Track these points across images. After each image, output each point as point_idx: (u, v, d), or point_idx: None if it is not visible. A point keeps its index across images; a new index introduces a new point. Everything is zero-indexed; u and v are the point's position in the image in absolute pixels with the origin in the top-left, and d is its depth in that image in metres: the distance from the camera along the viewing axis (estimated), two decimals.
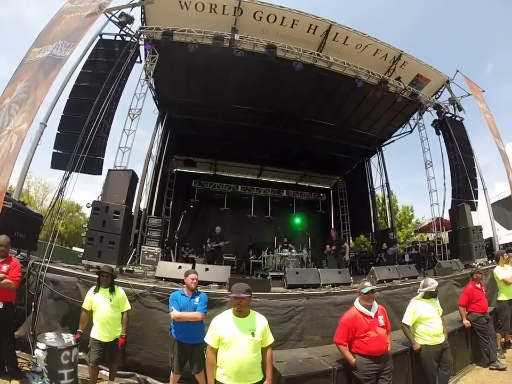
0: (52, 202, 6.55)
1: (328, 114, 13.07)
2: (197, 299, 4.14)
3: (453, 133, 11.22)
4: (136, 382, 4.59)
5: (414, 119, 13.28)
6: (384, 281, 6.68)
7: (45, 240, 5.53)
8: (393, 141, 14.99)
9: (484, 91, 12.55)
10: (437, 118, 11.85)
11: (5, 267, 4.15)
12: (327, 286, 6.16)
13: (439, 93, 12.42)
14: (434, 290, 4.60)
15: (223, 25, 9.44)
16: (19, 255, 5.53)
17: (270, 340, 3.09)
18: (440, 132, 11.84)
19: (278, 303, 5.23)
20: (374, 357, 3.61)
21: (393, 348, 4.09)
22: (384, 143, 15.19)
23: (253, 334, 2.92)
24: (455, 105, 11.97)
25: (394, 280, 6.88)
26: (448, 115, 11.93)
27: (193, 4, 9.13)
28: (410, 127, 13.84)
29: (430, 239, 14.01)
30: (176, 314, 3.94)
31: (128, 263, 7.53)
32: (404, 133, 14.30)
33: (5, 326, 4.14)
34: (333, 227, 18.16)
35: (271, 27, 9.67)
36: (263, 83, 11.00)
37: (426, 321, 4.45)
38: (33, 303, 4.82)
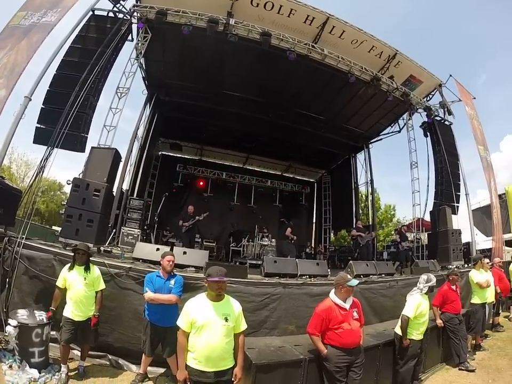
0: (32, 177, 6.40)
1: (319, 107, 13.06)
2: (172, 281, 4.11)
3: (441, 136, 11.38)
4: (107, 363, 4.57)
5: (403, 119, 13.43)
6: (361, 276, 6.79)
7: (23, 218, 5.39)
8: (381, 139, 15.19)
9: (475, 98, 12.75)
10: (426, 120, 12.04)
11: None
12: (304, 277, 6.22)
13: (431, 96, 12.56)
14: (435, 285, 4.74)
15: (219, 8, 9.26)
16: None
17: (243, 326, 3.07)
18: (428, 134, 12.01)
19: (254, 290, 5.24)
20: (346, 349, 3.63)
21: (366, 341, 4.14)
22: (371, 141, 15.35)
23: (226, 319, 2.89)
24: (445, 109, 12.15)
25: (371, 276, 6.99)
26: (438, 118, 12.09)
27: None
28: (399, 127, 14.02)
29: (409, 239, 14.27)
30: (150, 295, 3.91)
31: (107, 244, 7.44)
32: (392, 132, 14.48)
33: None
34: (314, 220, 18.42)
35: (268, 15, 9.53)
36: (255, 70, 10.89)
37: (422, 317, 4.60)
38: (7, 280, 4.71)
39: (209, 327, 2.83)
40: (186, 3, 9.16)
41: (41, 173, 6.18)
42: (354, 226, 12.77)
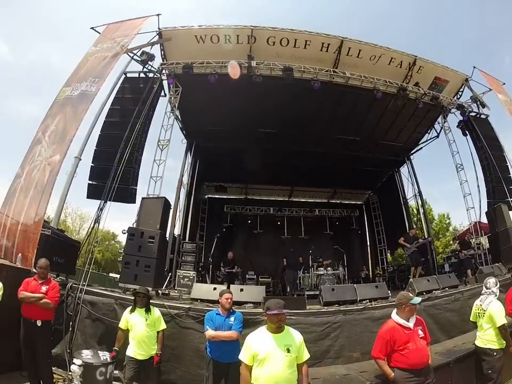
0: (88, 229, 6.96)
1: (352, 128, 12.99)
2: (232, 318, 4.16)
3: (480, 132, 10.84)
4: None
5: (438, 123, 12.95)
6: (424, 293, 6.47)
7: (82, 267, 5.86)
8: (421, 148, 14.57)
9: (504, 84, 12.10)
10: (462, 119, 11.54)
11: (44, 288, 4.44)
12: (364, 302, 6.08)
13: (460, 93, 12.11)
14: None
15: (239, 53, 9.85)
16: (58, 278, 5.86)
17: (306, 356, 3.03)
18: (467, 132, 11.49)
19: (314, 320, 5.21)
20: (414, 370, 3.43)
21: (435, 360, 3.91)
22: (412, 152, 14.77)
23: (288, 350, 2.86)
24: (478, 102, 11.56)
25: (434, 291, 6.63)
26: (473, 114, 11.57)
27: (208, 37, 9.71)
28: (436, 132, 13.47)
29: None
30: (211, 333, 3.98)
31: (164, 287, 7.75)
32: (430, 138, 13.90)
33: (43, 342, 4.38)
34: (368, 243, 17.79)
35: (285, 50, 10.01)
36: (284, 105, 11.22)
37: None
38: (70, 323, 5.08)
39: (271, 359, 2.81)
40: (209, 53, 9.88)
41: (96, 224, 6.73)
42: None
